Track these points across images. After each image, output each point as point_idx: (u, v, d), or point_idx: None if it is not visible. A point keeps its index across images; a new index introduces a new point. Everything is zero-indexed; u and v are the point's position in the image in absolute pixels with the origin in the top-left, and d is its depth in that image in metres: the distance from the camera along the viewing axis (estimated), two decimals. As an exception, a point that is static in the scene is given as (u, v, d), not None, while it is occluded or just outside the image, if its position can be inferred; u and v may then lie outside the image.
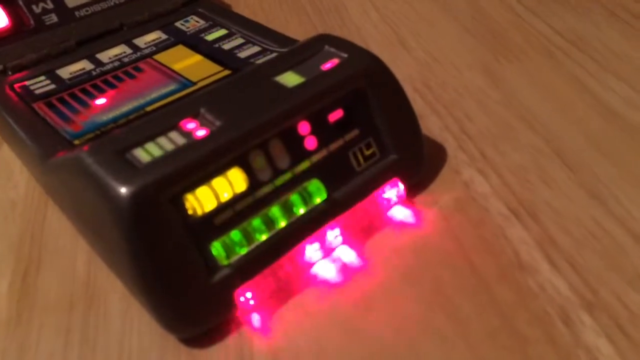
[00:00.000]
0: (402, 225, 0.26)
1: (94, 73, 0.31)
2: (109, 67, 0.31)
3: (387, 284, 0.24)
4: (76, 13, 0.34)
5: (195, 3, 0.36)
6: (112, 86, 0.29)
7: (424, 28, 0.40)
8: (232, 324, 0.23)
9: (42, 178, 0.28)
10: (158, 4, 0.35)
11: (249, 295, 0.23)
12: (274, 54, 0.30)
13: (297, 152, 0.24)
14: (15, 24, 0.32)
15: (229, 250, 0.22)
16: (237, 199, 0.23)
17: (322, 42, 0.28)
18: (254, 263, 0.23)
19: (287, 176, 0.24)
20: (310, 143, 0.25)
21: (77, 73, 0.31)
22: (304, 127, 0.25)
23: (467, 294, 0.23)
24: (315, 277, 0.24)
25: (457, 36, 0.39)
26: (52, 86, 0.30)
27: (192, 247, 0.22)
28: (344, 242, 0.25)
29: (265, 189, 0.24)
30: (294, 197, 0.24)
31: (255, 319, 0.23)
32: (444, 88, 0.34)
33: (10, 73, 0.31)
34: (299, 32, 0.40)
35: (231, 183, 0.23)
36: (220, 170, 0.23)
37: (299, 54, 0.27)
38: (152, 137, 0.23)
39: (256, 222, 0.23)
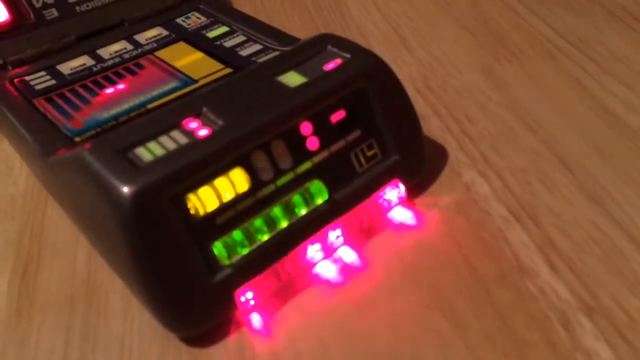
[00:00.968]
0: (402, 226, 0.26)
1: (94, 69, 0.31)
2: (109, 63, 0.31)
3: (387, 285, 0.24)
4: (77, 8, 0.33)
5: (197, -1, 0.36)
6: (113, 83, 0.29)
7: (425, 27, 0.40)
8: (232, 324, 0.23)
9: (43, 175, 0.28)
10: (159, -1, 0.35)
11: (249, 295, 0.23)
12: (276, 53, 0.30)
13: (299, 152, 0.24)
14: (16, 18, 0.32)
15: (230, 250, 0.22)
16: (239, 199, 0.23)
17: (325, 42, 0.28)
18: (255, 263, 0.23)
19: (289, 177, 0.24)
20: (313, 144, 0.25)
21: (78, 69, 0.31)
22: (306, 128, 0.25)
23: (466, 297, 0.23)
24: (316, 277, 0.24)
25: (458, 36, 0.39)
26: (53, 82, 0.30)
27: (194, 247, 0.22)
28: (345, 243, 0.25)
29: (267, 190, 0.24)
30: (296, 198, 0.24)
31: (256, 318, 0.23)
32: (445, 89, 0.34)
33: (10, 68, 0.31)
34: (300, 29, 0.40)
35: (233, 183, 0.23)
36: (223, 170, 0.23)
37: (302, 53, 0.27)
38: (154, 136, 0.23)
39: (258, 222, 0.23)
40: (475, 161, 0.29)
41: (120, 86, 0.29)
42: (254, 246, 0.23)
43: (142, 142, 0.23)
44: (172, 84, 0.29)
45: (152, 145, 0.23)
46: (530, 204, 0.27)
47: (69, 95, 0.29)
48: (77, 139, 0.26)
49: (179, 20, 0.34)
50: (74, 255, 0.26)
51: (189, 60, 0.31)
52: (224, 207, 0.23)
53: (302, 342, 0.22)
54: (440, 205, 0.27)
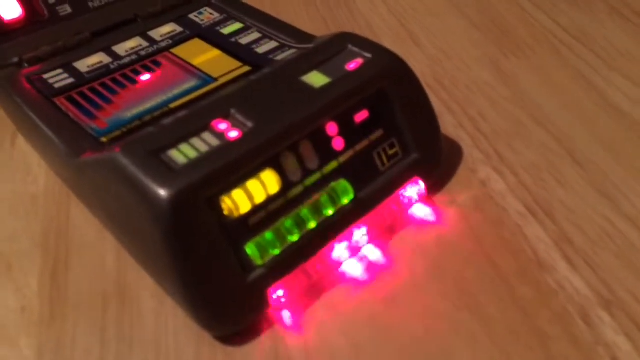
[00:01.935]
0: (423, 223, 0.27)
1: (112, 67, 0.31)
2: (126, 60, 0.31)
3: (412, 281, 0.25)
4: (90, 4, 0.33)
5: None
6: (133, 81, 0.29)
7: (432, 22, 0.40)
8: (264, 322, 0.24)
9: (69, 176, 0.28)
10: (171, -6, 0.35)
11: (280, 293, 0.23)
12: (293, 50, 0.31)
13: (326, 152, 0.25)
14: (29, 14, 0.32)
15: (262, 250, 0.23)
16: (270, 200, 0.23)
17: (345, 41, 0.28)
18: (286, 263, 0.23)
19: (316, 177, 0.25)
20: (338, 144, 0.25)
21: (96, 66, 0.31)
22: (331, 128, 0.25)
23: (489, 292, 0.24)
24: (343, 275, 0.25)
25: (464, 30, 0.39)
26: (71, 80, 0.30)
27: (228, 248, 0.22)
28: (369, 241, 0.26)
29: (296, 190, 0.24)
30: (323, 198, 0.24)
31: (287, 316, 0.24)
32: (456, 85, 0.35)
33: (26, 65, 0.31)
34: (309, 25, 0.40)
35: (265, 184, 0.23)
36: (255, 171, 0.23)
37: (322, 53, 0.28)
38: (185, 138, 0.23)
39: (288, 223, 0.23)
40: (490, 157, 0.30)
41: (140, 84, 0.29)
42: (285, 246, 0.23)
43: (173, 144, 0.23)
44: (192, 82, 0.29)
45: (184, 147, 0.23)
46: (544, 199, 0.28)
47: (89, 94, 0.29)
48: (103, 140, 0.26)
49: (192, 17, 0.34)
50: (102, 254, 0.26)
51: (206, 57, 0.31)
52: (256, 209, 0.23)
53: (333, 338, 0.23)
54: (458, 202, 0.28)
